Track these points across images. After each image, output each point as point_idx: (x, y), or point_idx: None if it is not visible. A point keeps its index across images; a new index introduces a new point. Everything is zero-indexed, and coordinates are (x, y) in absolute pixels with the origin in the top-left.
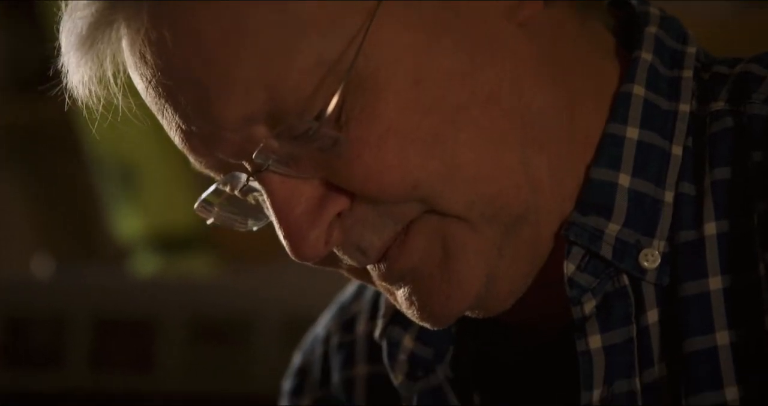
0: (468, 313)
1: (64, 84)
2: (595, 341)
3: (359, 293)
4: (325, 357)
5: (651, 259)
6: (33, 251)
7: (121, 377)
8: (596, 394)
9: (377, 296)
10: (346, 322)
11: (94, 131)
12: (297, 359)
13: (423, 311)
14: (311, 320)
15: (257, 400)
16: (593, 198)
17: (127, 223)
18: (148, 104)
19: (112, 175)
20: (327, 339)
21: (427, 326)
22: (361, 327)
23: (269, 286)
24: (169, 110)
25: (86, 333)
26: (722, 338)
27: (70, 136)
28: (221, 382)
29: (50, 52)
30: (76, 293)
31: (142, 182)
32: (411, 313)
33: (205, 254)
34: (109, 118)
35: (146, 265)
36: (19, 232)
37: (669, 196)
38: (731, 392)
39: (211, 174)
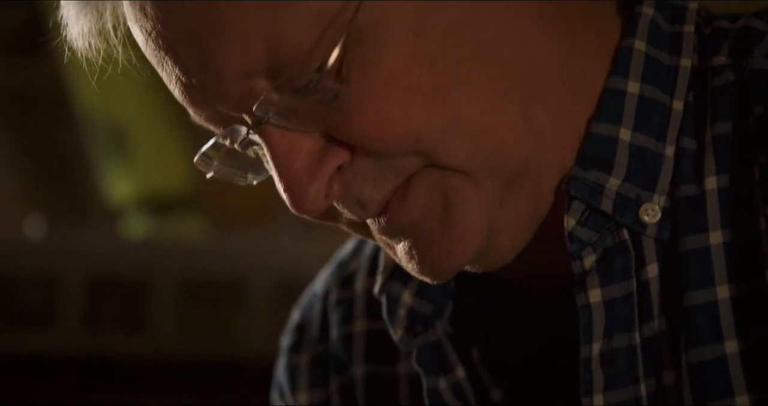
0: (467, 267)
1: (63, 36)
2: (594, 295)
3: (358, 249)
4: (324, 313)
5: (651, 213)
6: (25, 212)
7: (114, 338)
8: (596, 347)
9: (376, 252)
10: (344, 278)
11: (93, 84)
12: (295, 315)
13: (423, 265)
14: (303, 282)
15: (248, 360)
16: (594, 153)
17: (119, 185)
18: (148, 57)
19: (104, 138)
20: (326, 296)
21: (426, 280)
22: (359, 283)
23: (261, 248)
24: (169, 63)
25: (78, 294)
26: (722, 291)
27: (62, 98)
28: (213, 343)
29: (40, 13)
30: (68, 254)
31: (133, 144)
32: (411, 267)
33: (197, 216)
34: (109, 70)
35: (137, 227)
36: (11, 193)
37: (670, 151)
38: (731, 346)
39: (211, 127)
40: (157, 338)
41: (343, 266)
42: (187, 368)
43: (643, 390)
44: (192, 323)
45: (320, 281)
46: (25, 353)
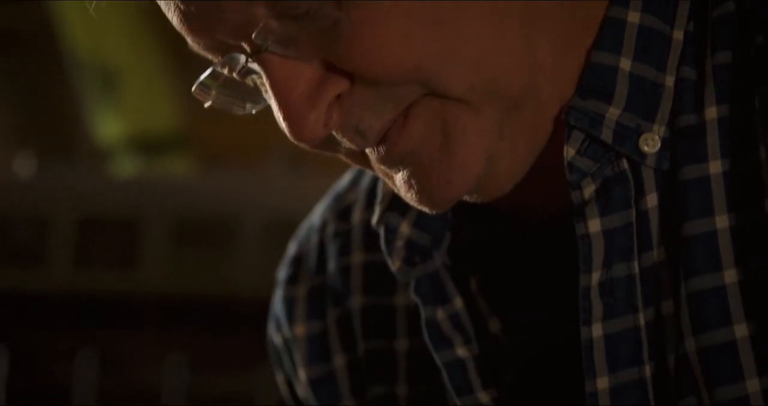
0: (466, 197)
1: None
2: (594, 225)
3: (355, 181)
4: (321, 245)
5: (651, 143)
6: (15, 151)
7: (104, 276)
8: (595, 277)
9: (374, 184)
10: (342, 210)
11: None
12: (292, 248)
13: (422, 195)
14: (293, 221)
15: (239, 298)
16: (594, 82)
17: (108, 124)
18: None
19: (93, 78)
20: (323, 228)
21: (425, 209)
22: (357, 215)
23: (250, 187)
24: None
25: (69, 233)
26: (722, 221)
27: (52, 39)
28: (203, 281)
29: None
30: (59, 193)
31: (122, 84)
32: (409, 197)
33: (186, 155)
34: None
35: (127, 166)
36: (1, 132)
37: (670, 81)
38: (730, 275)
39: (209, 56)
40: (147, 275)
41: (340, 197)
42: (178, 305)
43: (641, 319)
44: (183, 260)
45: (317, 214)
46: (16, 291)
